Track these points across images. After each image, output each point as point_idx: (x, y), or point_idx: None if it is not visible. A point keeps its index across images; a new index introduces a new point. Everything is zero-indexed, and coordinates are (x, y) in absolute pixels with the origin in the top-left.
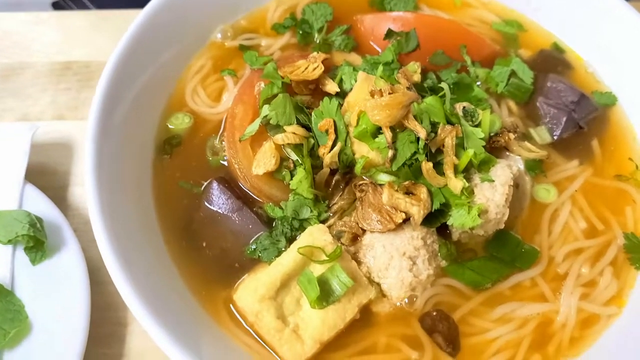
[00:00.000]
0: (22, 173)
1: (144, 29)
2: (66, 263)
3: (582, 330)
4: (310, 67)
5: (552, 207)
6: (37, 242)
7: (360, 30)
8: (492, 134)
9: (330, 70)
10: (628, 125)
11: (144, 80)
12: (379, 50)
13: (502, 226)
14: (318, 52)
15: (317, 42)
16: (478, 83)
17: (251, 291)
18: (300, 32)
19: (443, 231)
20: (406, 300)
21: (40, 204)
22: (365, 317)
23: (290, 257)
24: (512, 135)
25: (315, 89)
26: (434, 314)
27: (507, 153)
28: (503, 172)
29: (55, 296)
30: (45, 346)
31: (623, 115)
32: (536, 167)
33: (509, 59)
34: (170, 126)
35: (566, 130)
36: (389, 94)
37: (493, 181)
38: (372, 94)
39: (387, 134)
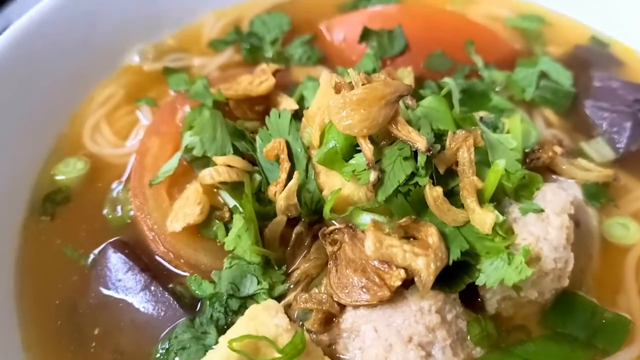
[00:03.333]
0: None
1: (24, 40)
2: None
3: None
4: (255, 81)
5: (637, 250)
6: None
7: (327, 39)
8: (527, 150)
9: (287, 88)
10: None
11: (17, 112)
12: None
13: (565, 283)
14: (268, 64)
15: (270, 56)
16: (497, 89)
17: None
18: (247, 46)
19: (472, 300)
20: None
21: None
22: None
23: (219, 358)
24: (558, 149)
25: (264, 112)
26: None
27: (554, 176)
28: (556, 195)
29: None
30: None
31: None
32: (600, 194)
33: (535, 58)
34: (56, 177)
35: (634, 138)
36: (363, 84)
37: (542, 211)
38: (337, 89)
39: (366, 147)
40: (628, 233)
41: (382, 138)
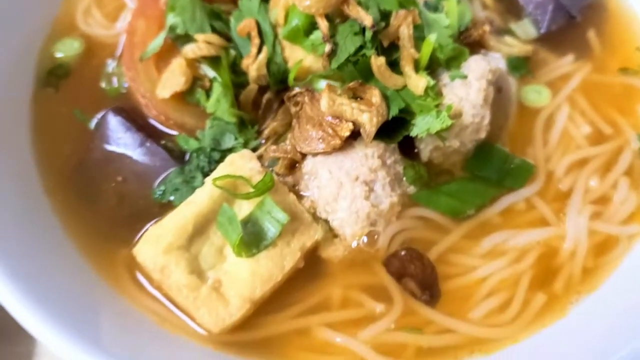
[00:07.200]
0: None
1: None
2: None
3: (597, 257)
4: None
5: (546, 112)
6: None
7: None
8: (462, 29)
9: None
10: (630, 11)
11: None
12: None
13: (483, 135)
14: None
15: None
16: None
17: (153, 241)
18: None
19: (409, 152)
20: (365, 239)
21: None
22: (312, 266)
23: (204, 194)
24: (487, 28)
25: None
26: (403, 254)
27: (484, 51)
28: (478, 65)
29: None
30: None
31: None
32: (521, 66)
33: None
34: (57, 54)
35: (554, 20)
36: None
37: (466, 77)
38: None
39: (322, 24)
40: (540, 97)
41: (336, 16)
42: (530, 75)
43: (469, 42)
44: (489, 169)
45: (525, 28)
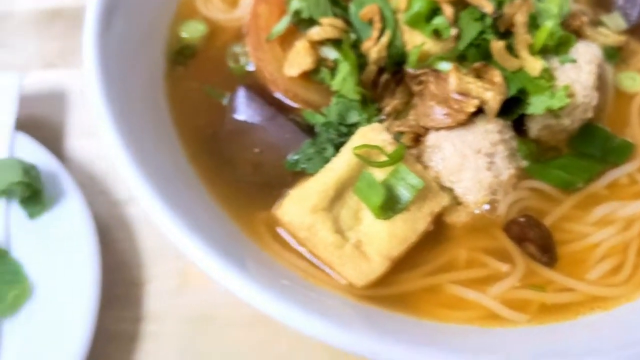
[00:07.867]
0: (11, 120)
1: None
2: (69, 216)
3: None
4: None
5: None
6: (33, 193)
7: None
8: (560, 20)
9: None
10: None
11: None
12: None
13: (590, 115)
14: None
15: None
16: None
17: (300, 202)
18: None
19: (518, 129)
20: (486, 206)
21: (35, 154)
22: (438, 231)
23: (343, 161)
24: (585, 19)
25: None
26: (522, 220)
27: (580, 40)
28: (586, 50)
29: (59, 255)
30: (51, 312)
31: None
32: (614, 55)
33: None
34: (184, 35)
35: None
36: None
37: (575, 61)
38: None
39: (448, 10)
40: (634, 83)
41: (458, 3)
42: (623, 64)
43: (568, 31)
44: (593, 146)
45: (615, 20)
